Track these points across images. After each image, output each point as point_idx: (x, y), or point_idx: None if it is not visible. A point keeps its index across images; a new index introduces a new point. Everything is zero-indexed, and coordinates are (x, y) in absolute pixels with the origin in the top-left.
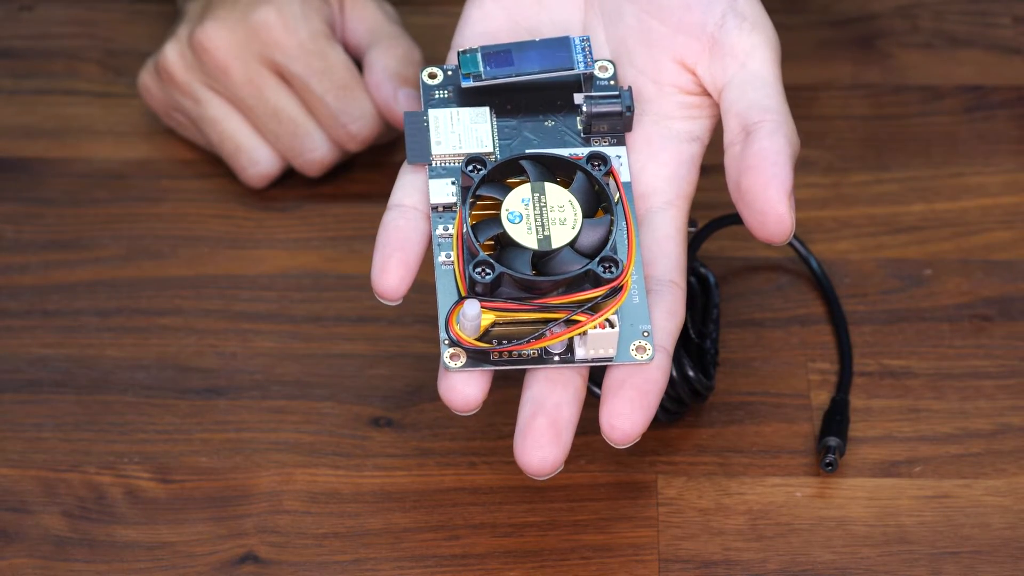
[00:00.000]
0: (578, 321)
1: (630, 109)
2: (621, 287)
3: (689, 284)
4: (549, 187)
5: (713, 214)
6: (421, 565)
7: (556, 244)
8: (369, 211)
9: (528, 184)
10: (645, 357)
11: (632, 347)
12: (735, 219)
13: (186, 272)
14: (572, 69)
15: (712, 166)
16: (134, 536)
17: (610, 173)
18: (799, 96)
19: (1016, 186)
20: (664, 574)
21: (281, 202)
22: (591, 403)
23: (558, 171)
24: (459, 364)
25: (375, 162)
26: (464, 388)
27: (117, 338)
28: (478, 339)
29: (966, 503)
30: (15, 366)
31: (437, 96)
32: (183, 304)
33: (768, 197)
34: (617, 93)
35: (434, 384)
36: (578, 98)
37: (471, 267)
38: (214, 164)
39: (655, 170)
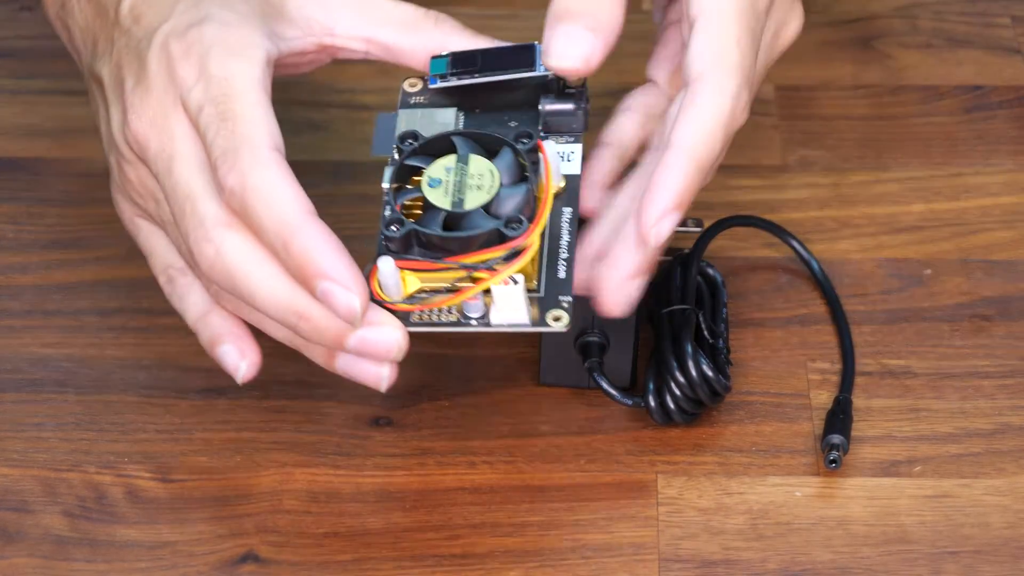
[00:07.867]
0: (481, 279)
1: (583, 108)
2: (524, 248)
3: (698, 285)
4: (473, 158)
5: (713, 214)
6: (421, 565)
7: (469, 207)
8: (369, 211)
9: (454, 155)
10: (560, 325)
11: (550, 316)
12: (735, 221)
13: None
14: (533, 71)
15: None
16: (135, 536)
17: (536, 148)
18: (799, 96)
19: (1016, 186)
20: (664, 574)
21: None
22: (592, 403)
23: (490, 149)
24: None
25: (375, 163)
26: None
27: (118, 338)
28: (401, 302)
29: (966, 503)
30: (16, 366)
31: (413, 102)
32: None
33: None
34: (574, 92)
35: (435, 383)
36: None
37: (383, 224)
38: None
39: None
